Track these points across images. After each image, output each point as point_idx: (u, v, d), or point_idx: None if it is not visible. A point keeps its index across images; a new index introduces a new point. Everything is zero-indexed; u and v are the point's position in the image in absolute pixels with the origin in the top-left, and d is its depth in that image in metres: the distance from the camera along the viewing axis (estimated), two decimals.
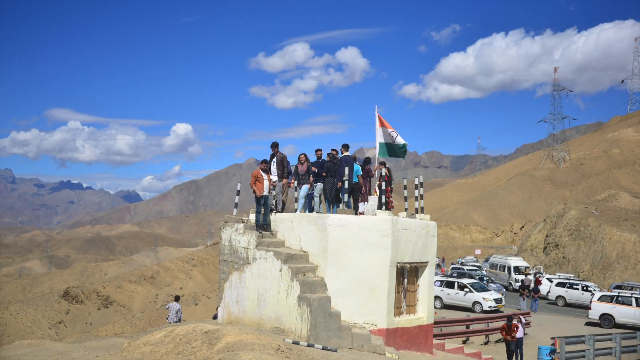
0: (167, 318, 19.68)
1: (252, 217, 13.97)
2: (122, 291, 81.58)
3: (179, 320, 19.05)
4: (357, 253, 12.19)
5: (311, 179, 13.98)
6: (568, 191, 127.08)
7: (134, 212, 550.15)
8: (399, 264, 12.54)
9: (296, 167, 14.28)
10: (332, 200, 13.85)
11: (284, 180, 14.24)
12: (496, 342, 22.92)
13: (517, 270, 42.68)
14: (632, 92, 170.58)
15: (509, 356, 18.83)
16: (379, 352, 11.32)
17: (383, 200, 13.28)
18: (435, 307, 19.70)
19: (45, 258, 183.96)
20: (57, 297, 75.69)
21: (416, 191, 14.60)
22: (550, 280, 37.14)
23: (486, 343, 22.89)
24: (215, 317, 16.05)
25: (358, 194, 13.83)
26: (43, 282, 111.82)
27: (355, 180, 13.68)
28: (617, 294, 27.38)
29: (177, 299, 20.57)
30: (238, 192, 14.60)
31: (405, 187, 15.06)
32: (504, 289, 37.18)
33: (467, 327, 22.46)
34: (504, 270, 44.11)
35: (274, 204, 13.95)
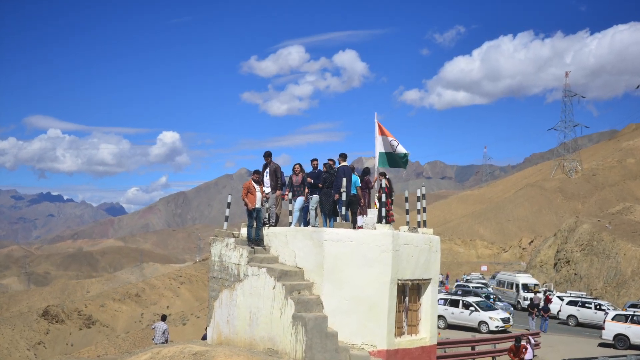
0: (153, 339, 19.65)
1: (244, 231, 13.96)
2: (105, 310, 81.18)
3: (166, 341, 19.01)
4: (356, 269, 12.18)
5: (307, 190, 13.98)
6: (580, 203, 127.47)
7: (118, 226, 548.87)
8: (400, 281, 12.55)
9: (290, 178, 14.29)
10: (329, 214, 13.86)
11: (278, 192, 14.23)
12: None
13: (526, 287, 42.70)
14: None
15: None
16: None
17: (383, 214, 13.29)
18: (438, 327, 19.70)
19: (24, 275, 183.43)
20: (36, 317, 75.21)
21: (418, 204, 14.63)
22: (561, 298, 37.16)
23: None
24: (204, 337, 16.01)
25: (356, 206, 13.83)
26: (21, 300, 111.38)
27: (353, 192, 13.69)
28: (632, 313, 27.40)
29: (163, 318, 20.53)
30: (229, 205, 14.61)
31: (406, 200, 15.09)
32: (512, 308, 37.18)
33: (473, 348, 22.44)
34: (512, 288, 44.12)
35: (267, 217, 13.95)
